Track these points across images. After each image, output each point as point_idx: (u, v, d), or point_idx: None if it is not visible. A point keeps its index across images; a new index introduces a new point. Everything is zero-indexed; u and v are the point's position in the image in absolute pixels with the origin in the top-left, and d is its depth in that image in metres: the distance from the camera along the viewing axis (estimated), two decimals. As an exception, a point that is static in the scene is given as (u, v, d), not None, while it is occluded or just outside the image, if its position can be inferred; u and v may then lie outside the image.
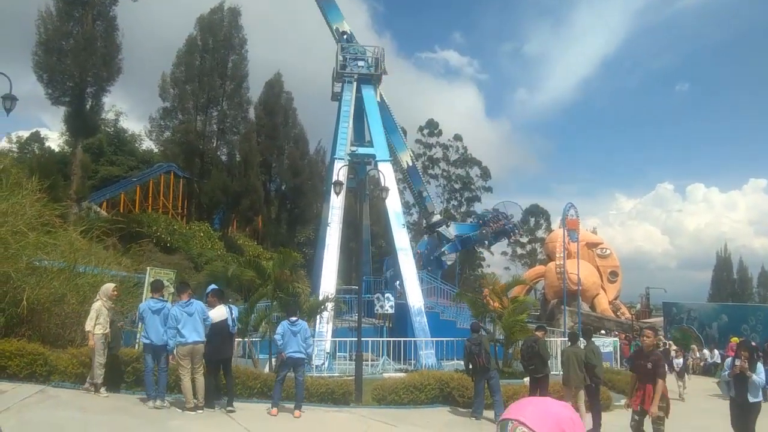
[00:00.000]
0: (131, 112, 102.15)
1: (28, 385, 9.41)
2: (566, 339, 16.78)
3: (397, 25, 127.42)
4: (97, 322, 9.51)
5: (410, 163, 31.89)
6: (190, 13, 42.13)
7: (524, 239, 63.06)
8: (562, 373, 11.53)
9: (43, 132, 52.49)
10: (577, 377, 10.92)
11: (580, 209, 27.30)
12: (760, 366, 8.81)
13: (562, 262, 27.10)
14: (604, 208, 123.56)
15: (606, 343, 21.07)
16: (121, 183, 40.86)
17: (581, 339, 12.31)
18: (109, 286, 10.06)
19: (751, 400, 8.66)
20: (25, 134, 49.58)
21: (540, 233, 61.30)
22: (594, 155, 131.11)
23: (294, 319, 10.41)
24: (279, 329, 10.35)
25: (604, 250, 35.12)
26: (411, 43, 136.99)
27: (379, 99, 27.23)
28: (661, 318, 30.85)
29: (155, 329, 9.36)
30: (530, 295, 39.36)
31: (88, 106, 29.47)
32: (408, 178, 32.26)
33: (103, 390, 9.58)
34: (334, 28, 27.82)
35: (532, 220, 62.92)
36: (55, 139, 48.30)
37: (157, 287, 9.98)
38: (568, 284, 26.64)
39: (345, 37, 27.49)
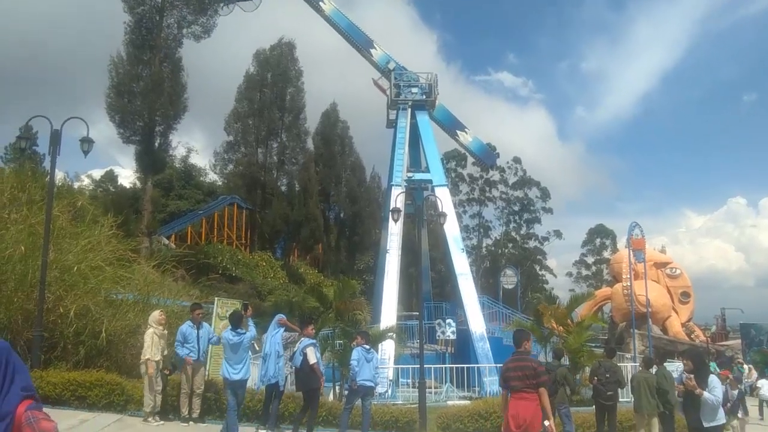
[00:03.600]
0: (200, 146, 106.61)
1: (106, 414, 9.85)
2: (637, 364, 16.19)
3: (457, 51, 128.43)
4: (151, 350, 9.76)
5: None
6: (252, 46, 44.16)
7: (589, 260, 61.46)
8: (633, 399, 11.12)
9: (117, 170, 55.23)
10: (649, 404, 10.51)
11: (647, 228, 26.49)
12: (713, 380, 7.33)
13: (629, 284, 26.21)
14: (672, 226, 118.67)
15: (680, 368, 20.14)
16: (188, 216, 42.49)
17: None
18: (156, 313, 10.33)
19: (706, 424, 7.18)
20: (100, 173, 52.33)
21: (606, 254, 59.50)
22: (659, 171, 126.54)
23: (368, 347, 10.42)
24: (355, 356, 10.24)
25: (674, 270, 33.65)
26: (467, 67, 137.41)
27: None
28: (739, 340, 29.27)
29: (238, 362, 9.26)
30: (598, 318, 38.17)
31: (156, 144, 31.02)
32: None
33: (153, 419, 9.67)
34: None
35: (597, 240, 61.25)
36: (128, 176, 50.88)
37: (236, 319, 9.71)
38: (637, 306, 25.72)
39: (394, 69, 27.90)
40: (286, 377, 10.59)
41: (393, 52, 28.99)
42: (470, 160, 58.78)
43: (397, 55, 29.15)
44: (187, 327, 10.02)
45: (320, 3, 28.87)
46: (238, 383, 9.28)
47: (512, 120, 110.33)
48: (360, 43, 28.96)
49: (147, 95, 29.78)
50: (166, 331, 10.24)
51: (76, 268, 11.67)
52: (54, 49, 70.60)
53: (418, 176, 26.51)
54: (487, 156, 32.78)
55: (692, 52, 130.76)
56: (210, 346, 10.73)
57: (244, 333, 9.54)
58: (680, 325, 31.92)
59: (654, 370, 11.43)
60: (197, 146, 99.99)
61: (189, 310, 10.93)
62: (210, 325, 11.22)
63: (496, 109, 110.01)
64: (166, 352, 9.99)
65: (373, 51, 28.70)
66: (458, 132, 29.60)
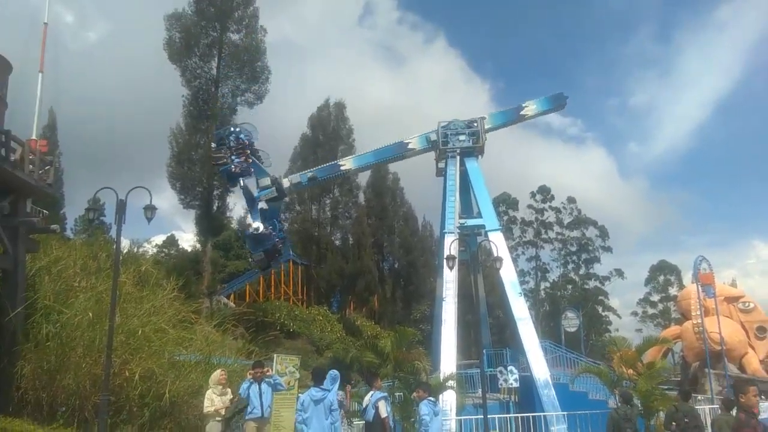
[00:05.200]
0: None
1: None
2: (715, 406, 15.29)
3: (510, 97, 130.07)
4: (212, 408, 9.87)
5: None
6: (307, 109, 45.89)
7: (654, 298, 59.12)
8: (713, 445, 10.46)
9: (178, 234, 57.42)
10: (730, 449, 9.87)
11: (714, 261, 25.37)
12: None
13: (699, 321, 25.02)
14: (741, 258, 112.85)
15: (763, 408, 18.85)
16: (246, 275, 43.39)
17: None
18: (217, 374, 10.47)
19: None
20: (162, 237, 54.43)
21: (672, 290, 57.11)
22: (722, 202, 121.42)
23: (434, 399, 10.27)
24: (424, 410, 10.02)
25: (747, 304, 31.89)
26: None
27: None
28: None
29: (319, 422, 9.02)
30: (668, 357, 36.36)
31: (215, 208, 32.22)
32: None
33: None
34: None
35: (661, 277, 58.96)
36: (188, 239, 52.72)
37: (319, 376, 9.58)
38: (710, 344, 24.44)
39: (434, 140, 27.99)
40: None
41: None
42: (522, 203, 58.44)
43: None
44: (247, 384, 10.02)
45: (340, 167, 30.25)
46: None
47: (569, 161, 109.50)
48: (395, 153, 29.52)
49: (205, 162, 31.13)
50: (228, 389, 10.38)
51: (140, 331, 12.08)
52: (125, 127, 75.11)
53: (471, 222, 26.44)
54: (557, 102, 30.01)
55: (746, 80, 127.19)
56: (271, 405, 10.68)
57: (329, 390, 9.34)
58: (759, 361, 30.03)
59: (734, 412, 10.77)
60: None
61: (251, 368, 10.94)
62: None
63: (553, 150, 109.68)
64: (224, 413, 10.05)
65: (410, 144, 28.80)
66: (521, 113, 29.01)
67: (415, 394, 10.92)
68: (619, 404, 10.94)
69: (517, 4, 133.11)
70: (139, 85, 72.26)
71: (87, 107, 61.77)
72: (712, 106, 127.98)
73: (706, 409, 17.77)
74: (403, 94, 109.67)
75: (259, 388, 10.03)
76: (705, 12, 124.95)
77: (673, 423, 10.77)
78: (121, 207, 11.74)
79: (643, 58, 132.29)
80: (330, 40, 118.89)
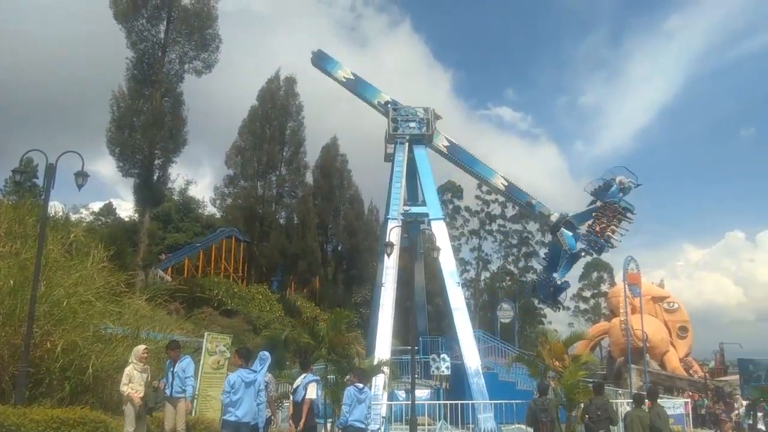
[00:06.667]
0: (209, 181, 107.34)
1: (90, 452, 9.66)
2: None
3: (471, 89, 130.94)
4: (129, 386, 9.63)
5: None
6: (256, 83, 44.74)
7: (587, 293, 61.20)
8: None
9: (116, 202, 55.43)
10: (641, 443, 10.39)
11: (646, 261, 26.52)
12: None
13: (625, 318, 26.09)
14: (671, 260, 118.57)
15: (677, 405, 19.90)
16: (186, 249, 42.47)
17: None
18: (139, 348, 10.16)
19: None
20: (99, 205, 52.52)
21: (604, 288, 59.32)
22: (658, 205, 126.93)
23: (361, 386, 10.11)
24: (346, 397, 9.95)
25: (672, 304, 33.52)
26: (480, 104, 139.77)
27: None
28: (737, 376, 28.95)
29: (249, 404, 8.71)
30: (595, 352, 37.84)
31: (155, 177, 31.23)
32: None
33: None
34: (375, 102, 28.76)
35: (594, 274, 61.09)
36: (127, 209, 51.05)
37: (245, 356, 9.26)
38: (633, 341, 25.55)
39: (388, 105, 28.23)
40: (270, 419, 10.45)
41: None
42: (467, 192, 59.17)
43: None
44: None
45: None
46: (245, 427, 8.70)
47: (525, 156, 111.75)
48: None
49: (147, 129, 30.10)
50: (148, 367, 10.16)
51: (65, 302, 11.59)
52: (67, 87, 71.74)
53: (415, 210, 26.59)
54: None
55: (690, 87, 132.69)
56: (199, 382, 10.55)
57: (257, 371, 9.18)
58: (678, 360, 31.64)
59: (645, 407, 11.32)
60: (206, 181, 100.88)
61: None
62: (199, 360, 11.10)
63: (509, 145, 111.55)
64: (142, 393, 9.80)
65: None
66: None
67: (347, 378, 10.95)
68: (537, 395, 11.36)
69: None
70: (83, 42, 69.19)
71: (25, 61, 58.71)
72: (655, 111, 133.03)
73: (625, 403, 18.59)
74: (364, 75, 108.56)
75: (173, 368, 9.96)
76: (656, 21, 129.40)
77: (587, 415, 11.29)
78: (50, 171, 11.23)
79: (594, 60, 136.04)
80: (292, 12, 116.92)
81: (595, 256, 30.17)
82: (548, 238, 59.54)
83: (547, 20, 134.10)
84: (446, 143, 28.60)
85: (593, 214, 27.66)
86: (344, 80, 29.47)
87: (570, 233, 27.72)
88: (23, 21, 70.17)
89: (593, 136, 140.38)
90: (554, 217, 28.56)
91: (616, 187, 26.94)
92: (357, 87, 29.42)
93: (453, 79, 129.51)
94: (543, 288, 29.70)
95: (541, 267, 30.46)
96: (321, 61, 29.94)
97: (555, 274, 28.84)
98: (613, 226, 26.98)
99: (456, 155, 28.95)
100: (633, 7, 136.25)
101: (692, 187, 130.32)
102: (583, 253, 28.53)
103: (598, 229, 27.13)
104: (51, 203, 13.62)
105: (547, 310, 59.37)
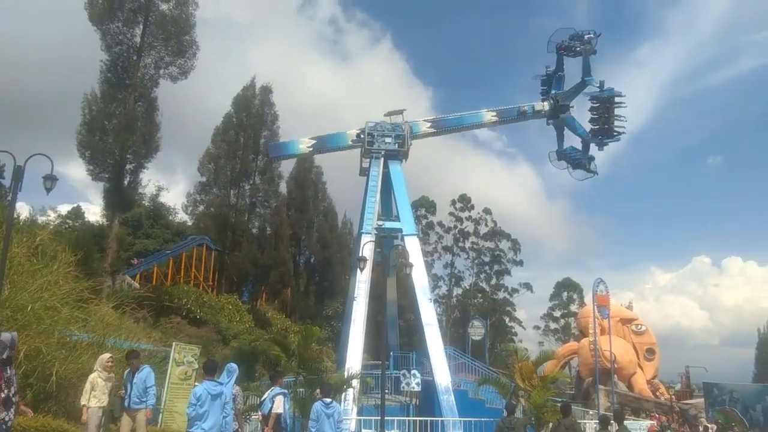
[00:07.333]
0: (182, 188, 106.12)
1: (50, 462, 9.36)
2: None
3: (451, 106, 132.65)
4: (92, 395, 9.43)
5: None
6: (233, 92, 44.32)
7: (557, 313, 61.78)
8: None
9: (85, 206, 54.21)
10: (607, 464, 10.45)
11: (616, 283, 26.95)
12: None
13: (594, 339, 26.38)
14: (639, 282, 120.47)
15: (642, 426, 20.12)
16: (155, 256, 41.71)
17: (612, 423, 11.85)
18: (104, 357, 9.98)
19: None
20: (67, 208, 51.29)
21: (573, 308, 59.97)
22: (627, 229, 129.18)
23: (328, 401, 10.03)
24: (313, 413, 9.85)
25: (639, 327, 34.04)
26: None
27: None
28: (702, 399, 29.38)
29: (215, 417, 8.53)
30: (564, 371, 38.11)
31: (126, 182, 30.68)
32: None
33: None
34: (349, 143, 28.92)
35: (565, 294, 61.77)
36: (96, 213, 49.93)
37: (211, 368, 9.11)
38: (602, 362, 25.82)
39: (360, 135, 28.23)
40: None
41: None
42: (441, 209, 59.40)
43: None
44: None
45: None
46: None
47: (502, 177, 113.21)
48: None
49: (119, 133, 29.57)
50: (113, 375, 9.92)
51: (30, 307, 11.26)
52: (38, 87, 70.37)
53: (389, 225, 26.59)
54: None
55: (659, 116, 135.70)
56: (166, 393, 10.32)
57: (222, 383, 9.02)
58: (645, 382, 32.08)
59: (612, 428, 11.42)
60: (180, 188, 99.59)
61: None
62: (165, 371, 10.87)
63: (487, 165, 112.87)
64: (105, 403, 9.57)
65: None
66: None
67: (317, 392, 10.84)
68: (505, 414, 11.43)
69: (463, 15, 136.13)
70: (55, 43, 68.04)
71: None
72: (625, 137, 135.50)
73: (592, 423, 18.74)
74: (345, 89, 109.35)
75: (132, 379, 9.81)
76: (628, 49, 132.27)
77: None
78: (17, 174, 10.95)
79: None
80: (272, 23, 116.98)
81: (606, 141, 31.28)
82: (519, 256, 60.30)
83: (523, 42, 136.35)
84: (429, 125, 29.13)
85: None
86: (310, 149, 29.77)
87: (572, 117, 30.24)
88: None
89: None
90: (547, 104, 30.43)
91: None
92: (325, 144, 29.58)
93: (433, 97, 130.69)
94: (572, 157, 30.98)
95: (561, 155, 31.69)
96: (279, 149, 30.64)
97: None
98: (612, 117, 29.38)
99: (444, 126, 29.59)
100: (605, 36, 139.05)
101: (660, 212, 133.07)
102: (598, 136, 30.20)
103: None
104: (18, 204, 13.27)
105: (518, 328, 59.88)
